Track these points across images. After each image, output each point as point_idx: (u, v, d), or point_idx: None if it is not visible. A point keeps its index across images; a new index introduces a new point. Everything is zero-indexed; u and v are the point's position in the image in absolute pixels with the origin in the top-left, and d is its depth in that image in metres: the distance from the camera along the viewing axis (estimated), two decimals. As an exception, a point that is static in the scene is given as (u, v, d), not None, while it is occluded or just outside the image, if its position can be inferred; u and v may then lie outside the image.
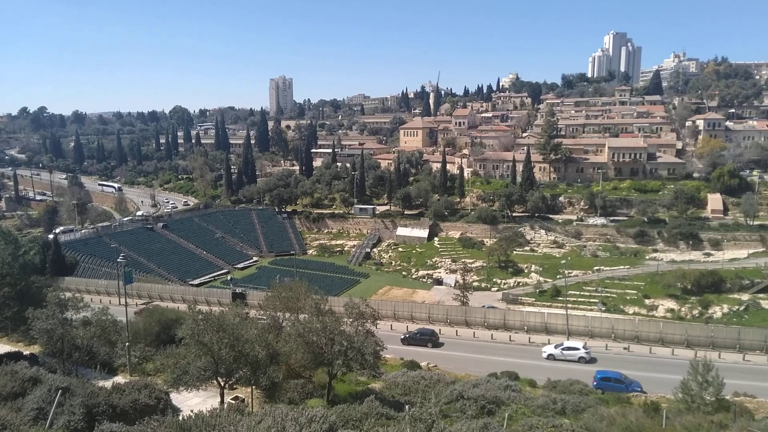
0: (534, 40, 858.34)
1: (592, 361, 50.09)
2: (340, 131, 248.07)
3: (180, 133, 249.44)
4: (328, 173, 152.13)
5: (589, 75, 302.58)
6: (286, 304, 35.10)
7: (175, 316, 39.75)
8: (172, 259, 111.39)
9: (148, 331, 40.24)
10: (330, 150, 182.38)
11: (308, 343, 27.43)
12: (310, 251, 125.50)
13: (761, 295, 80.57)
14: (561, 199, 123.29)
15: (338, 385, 31.06)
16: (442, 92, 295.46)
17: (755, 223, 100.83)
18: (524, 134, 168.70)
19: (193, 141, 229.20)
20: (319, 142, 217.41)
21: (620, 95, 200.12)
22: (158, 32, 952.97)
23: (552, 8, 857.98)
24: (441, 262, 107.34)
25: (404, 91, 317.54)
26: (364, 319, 28.92)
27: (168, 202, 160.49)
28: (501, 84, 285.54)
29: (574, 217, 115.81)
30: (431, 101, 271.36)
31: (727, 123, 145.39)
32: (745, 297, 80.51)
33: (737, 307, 78.22)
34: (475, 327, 62.99)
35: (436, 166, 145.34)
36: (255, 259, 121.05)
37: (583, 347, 51.41)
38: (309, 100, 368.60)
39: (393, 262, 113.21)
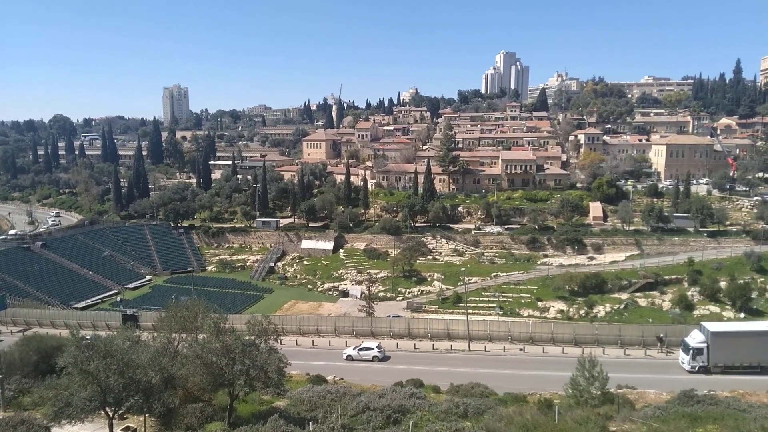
0: (432, 56, 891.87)
1: (385, 359, 54.51)
2: (240, 143, 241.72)
3: (61, 144, 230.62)
4: (228, 186, 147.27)
5: (483, 91, 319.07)
6: (182, 324, 33.08)
7: (57, 344, 36.26)
8: (52, 281, 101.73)
9: (25, 361, 36.48)
10: (230, 162, 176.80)
11: (207, 365, 26.06)
12: (210, 267, 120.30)
13: (638, 294, 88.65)
14: (460, 209, 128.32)
15: (241, 406, 29.78)
16: (345, 105, 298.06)
17: (631, 228, 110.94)
18: (425, 147, 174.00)
19: (77, 152, 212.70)
20: (218, 154, 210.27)
21: (511, 111, 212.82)
22: (35, 36, 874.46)
23: (448, 26, 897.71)
24: (347, 273, 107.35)
25: (307, 103, 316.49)
26: (267, 335, 28.15)
27: (51, 217, 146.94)
28: (402, 98, 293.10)
29: (473, 226, 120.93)
30: (334, 113, 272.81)
31: (605, 137, 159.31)
32: (624, 296, 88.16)
33: (618, 305, 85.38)
34: (380, 337, 63.51)
35: (340, 177, 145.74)
36: (148, 277, 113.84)
37: (377, 347, 55.92)
38: (207, 110, 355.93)
39: (298, 275, 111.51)
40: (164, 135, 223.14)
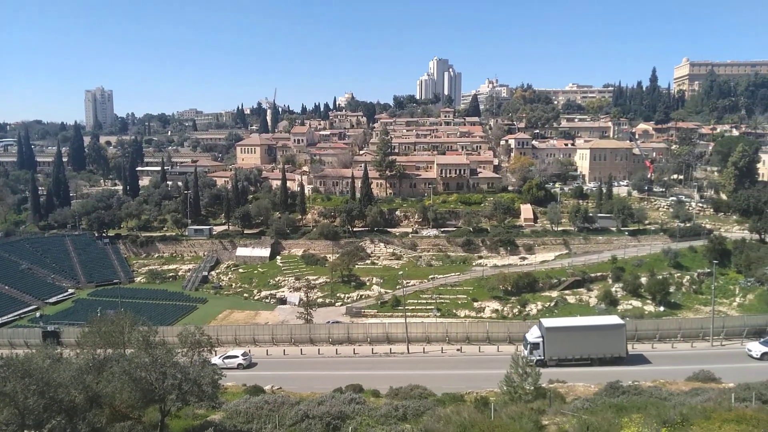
0: (367, 61, 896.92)
1: (250, 366, 55.69)
2: (170, 148, 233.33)
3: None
4: (157, 193, 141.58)
5: (418, 97, 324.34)
6: (108, 339, 31.37)
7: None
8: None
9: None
10: (159, 168, 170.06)
11: (136, 380, 24.80)
12: (139, 279, 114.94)
13: (567, 292, 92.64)
14: (397, 213, 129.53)
15: (173, 422, 28.59)
16: (280, 109, 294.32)
17: (559, 228, 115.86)
18: (361, 152, 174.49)
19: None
20: (146, 160, 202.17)
21: (445, 116, 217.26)
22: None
23: (383, 32, 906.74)
24: (284, 280, 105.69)
25: (240, 107, 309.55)
26: (201, 347, 27.27)
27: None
28: (337, 103, 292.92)
29: (410, 230, 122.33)
30: (269, 118, 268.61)
31: (534, 142, 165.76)
32: (554, 294, 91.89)
33: (549, 303, 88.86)
34: (320, 344, 62.99)
35: (276, 183, 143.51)
36: (71, 291, 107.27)
37: (242, 355, 57.14)
38: (133, 114, 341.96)
39: (233, 284, 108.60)
40: (87, 140, 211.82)
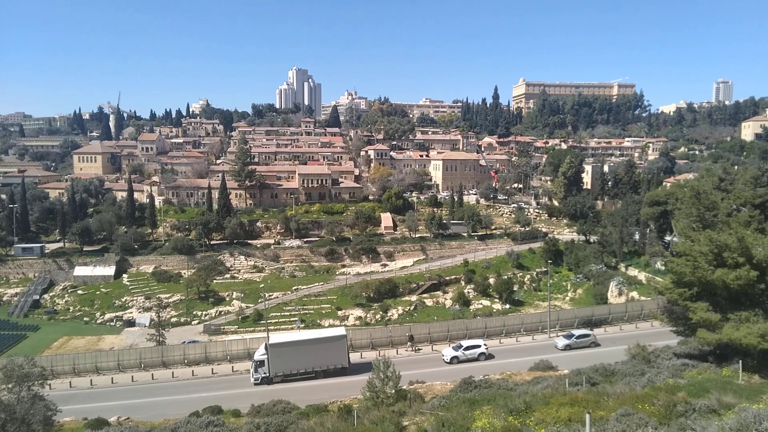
0: (224, 67, 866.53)
1: None
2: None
3: None
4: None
5: (278, 106, 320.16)
6: None
7: None
8: None
9: None
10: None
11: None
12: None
13: (425, 295, 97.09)
14: (258, 224, 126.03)
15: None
16: (125, 114, 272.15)
17: (417, 235, 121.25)
18: (218, 161, 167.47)
19: None
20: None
21: (306, 126, 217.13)
22: None
23: (241, 37, 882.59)
24: (132, 301, 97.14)
25: (78, 112, 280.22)
26: (30, 381, 23.93)
27: None
28: (191, 109, 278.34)
29: (272, 241, 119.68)
30: (112, 124, 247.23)
31: (392, 153, 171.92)
32: (414, 298, 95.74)
33: (409, 307, 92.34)
34: (174, 366, 58.67)
35: (121, 195, 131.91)
36: None
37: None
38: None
39: (71, 307, 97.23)
40: None
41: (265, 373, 50.82)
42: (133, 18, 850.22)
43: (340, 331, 56.06)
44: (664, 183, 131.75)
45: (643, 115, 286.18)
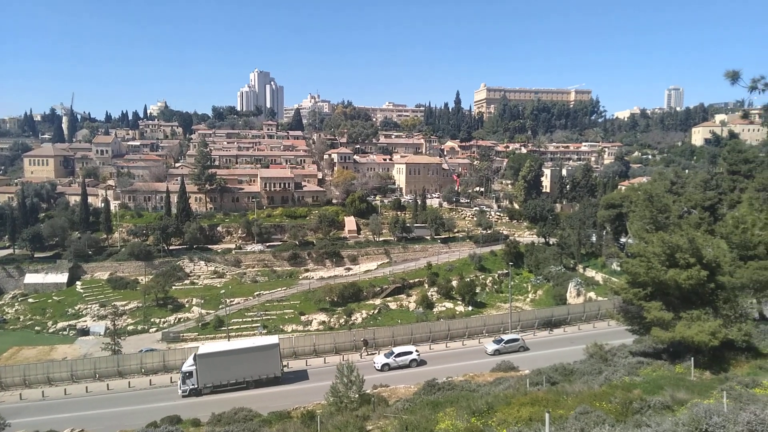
0: (182, 68, 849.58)
1: None
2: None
3: None
4: None
5: (239, 108, 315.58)
6: None
7: None
8: None
9: None
10: None
11: None
12: None
13: (389, 299, 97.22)
14: (219, 228, 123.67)
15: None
16: (79, 116, 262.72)
17: (380, 239, 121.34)
18: (177, 164, 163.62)
19: None
20: None
21: (268, 129, 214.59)
22: None
23: (200, 39, 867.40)
24: (87, 309, 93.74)
25: (29, 113, 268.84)
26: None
27: None
28: (149, 111, 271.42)
29: (233, 246, 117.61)
30: (65, 126, 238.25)
31: (355, 157, 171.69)
32: (378, 302, 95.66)
33: (373, 311, 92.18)
34: (131, 376, 56.89)
35: (74, 199, 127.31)
36: None
37: None
38: None
39: (21, 317, 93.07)
40: None
41: (193, 385, 49.31)
42: (87, 19, 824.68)
43: (273, 339, 54.63)
44: (619, 186, 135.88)
45: (599, 120, 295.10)
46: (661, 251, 32.84)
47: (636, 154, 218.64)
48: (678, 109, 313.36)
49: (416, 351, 55.89)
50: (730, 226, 40.48)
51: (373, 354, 59.44)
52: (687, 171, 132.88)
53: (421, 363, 54.58)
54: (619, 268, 74.63)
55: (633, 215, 48.09)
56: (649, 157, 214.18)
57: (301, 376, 53.70)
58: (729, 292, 33.22)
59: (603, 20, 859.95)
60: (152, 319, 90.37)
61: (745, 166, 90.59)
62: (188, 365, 50.42)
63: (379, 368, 53.22)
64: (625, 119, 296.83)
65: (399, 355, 54.59)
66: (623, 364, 34.99)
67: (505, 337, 59.79)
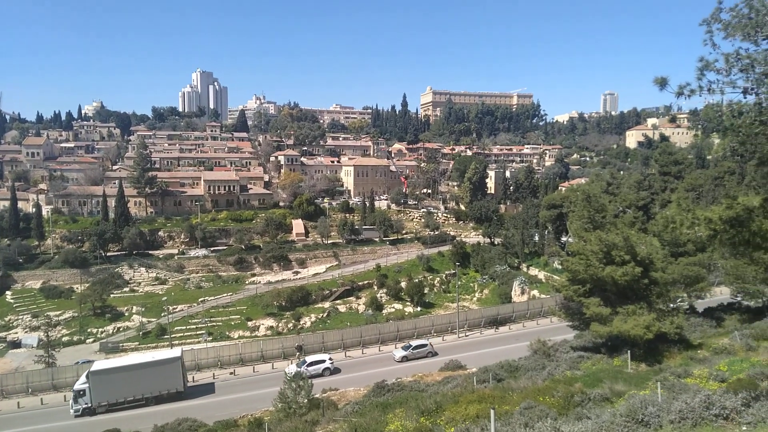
0: (120, 67, 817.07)
1: None
2: None
3: None
4: None
5: (181, 109, 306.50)
6: None
7: None
8: None
9: None
10: None
11: None
12: None
13: (338, 302, 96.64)
14: (161, 233, 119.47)
15: None
16: (7, 117, 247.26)
17: (329, 241, 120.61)
18: (115, 167, 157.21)
19: None
20: None
21: (211, 131, 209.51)
22: None
23: (138, 36, 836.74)
24: (18, 320, 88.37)
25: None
26: None
27: None
28: (84, 112, 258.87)
29: (176, 251, 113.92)
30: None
31: (302, 159, 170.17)
32: (327, 305, 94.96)
33: (322, 314, 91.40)
34: (66, 389, 53.99)
35: (3, 204, 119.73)
36: None
37: None
38: None
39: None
40: None
41: (86, 404, 46.74)
42: (7, 7, 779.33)
43: (175, 353, 52.52)
44: (559, 187, 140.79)
45: (540, 123, 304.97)
46: (599, 249, 34.24)
47: (575, 156, 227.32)
48: (613, 113, 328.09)
49: (330, 359, 54.22)
50: (660, 225, 42.66)
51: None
52: (622, 172, 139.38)
53: (335, 371, 52.84)
54: (560, 266, 77.27)
55: (572, 215, 49.98)
56: (587, 159, 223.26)
57: (208, 389, 51.57)
58: (662, 287, 35.00)
59: (543, 28, 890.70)
60: (89, 330, 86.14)
61: (674, 168, 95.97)
62: (80, 383, 47.63)
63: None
64: (565, 123, 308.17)
65: (312, 364, 52.56)
66: (565, 359, 36.23)
67: (413, 343, 58.56)
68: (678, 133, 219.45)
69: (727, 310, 48.03)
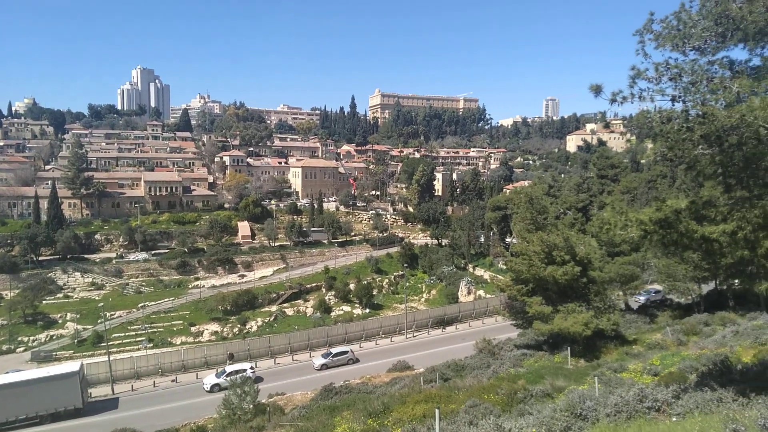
0: (53, 62, 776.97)
1: None
2: None
3: None
4: None
5: (119, 107, 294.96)
6: None
7: None
8: None
9: None
10: None
11: None
12: None
13: (286, 305, 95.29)
14: (97, 236, 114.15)
15: None
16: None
17: (276, 244, 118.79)
18: (48, 167, 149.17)
19: None
20: None
21: (153, 130, 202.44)
22: None
23: (74, 31, 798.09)
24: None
25: None
26: None
27: None
28: (14, 109, 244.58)
29: (114, 255, 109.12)
30: None
31: (248, 160, 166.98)
32: (274, 308, 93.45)
33: (269, 318, 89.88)
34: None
35: None
36: None
37: None
38: None
39: None
40: None
41: None
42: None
43: (73, 367, 49.35)
44: (504, 190, 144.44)
45: (486, 127, 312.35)
46: (541, 250, 35.33)
47: (519, 159, 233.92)
48: (555, 118, 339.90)
49: (251, 368, 52.54)
50: (597, 227, 44.53)
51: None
52: (563, 175, 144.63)
53: (257, 380, 48.42)
54: (504, 267, 79.11)
55: (516, 216, 51.36)
56: (530, 162, 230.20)
57: (111, 405, 48.97)
58: (599, 285, 36.51)
59: (487, 34, 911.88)
60: (19, 338, 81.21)
61: (611, 171, 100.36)
62: None
63: (209, 389, 49.29)
64: (509, 127, 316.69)
65: (231, 374, 49.67)
66: (509, 357, 37.15)
67: (334, 350, 57.49)
68: (615, 138, 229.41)
69: (660, 306, 50.68)
